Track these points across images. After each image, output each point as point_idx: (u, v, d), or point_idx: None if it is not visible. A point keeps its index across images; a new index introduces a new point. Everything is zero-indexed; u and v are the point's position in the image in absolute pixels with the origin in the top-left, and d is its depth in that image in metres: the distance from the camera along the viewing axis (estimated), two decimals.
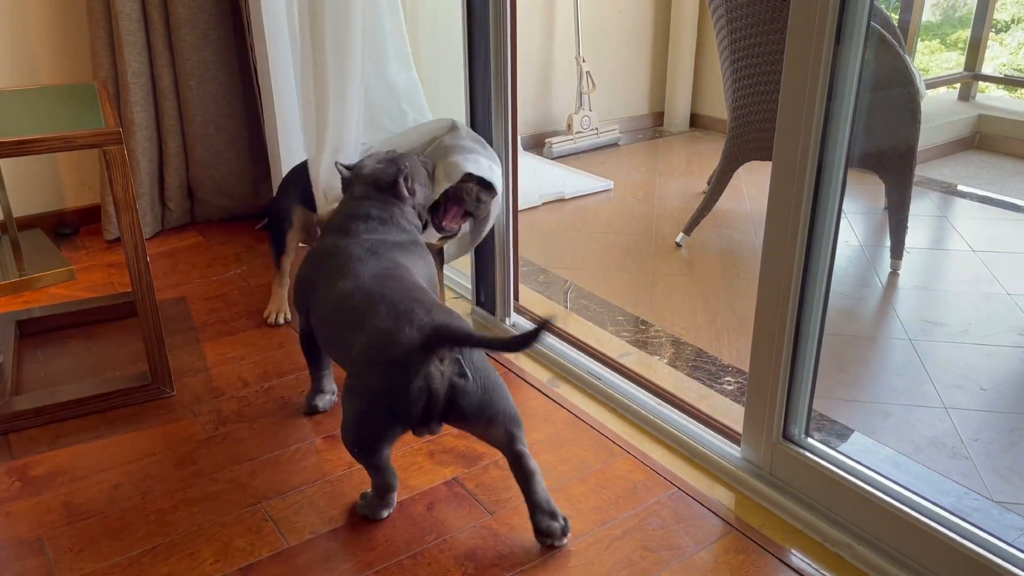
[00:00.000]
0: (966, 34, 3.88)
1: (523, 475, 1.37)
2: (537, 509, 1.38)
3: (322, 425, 1.71)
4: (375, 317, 1.33)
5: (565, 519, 1.40)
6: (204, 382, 1.86)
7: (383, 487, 1.43)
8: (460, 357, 1.30)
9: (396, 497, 1.47)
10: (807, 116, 1.28)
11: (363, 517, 1.45)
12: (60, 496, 1.51)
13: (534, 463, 1.37)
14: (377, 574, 1.33)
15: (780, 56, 2.33)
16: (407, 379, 1.26)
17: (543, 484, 1.39)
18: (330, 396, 1.76)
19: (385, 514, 1.45)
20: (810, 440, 1.47)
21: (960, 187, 3.20)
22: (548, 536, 1.38)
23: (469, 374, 1.30)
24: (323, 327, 1.48)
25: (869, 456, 1.51)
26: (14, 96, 1.84)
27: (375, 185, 1.66)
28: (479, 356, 1.34)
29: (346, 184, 1.71)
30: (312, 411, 1.74)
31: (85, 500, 1.50)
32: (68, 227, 2.66)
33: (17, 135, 1.52)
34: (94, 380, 1.84)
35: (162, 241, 2.63)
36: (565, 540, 1.39)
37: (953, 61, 4.03)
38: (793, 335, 1.41)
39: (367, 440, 1.33)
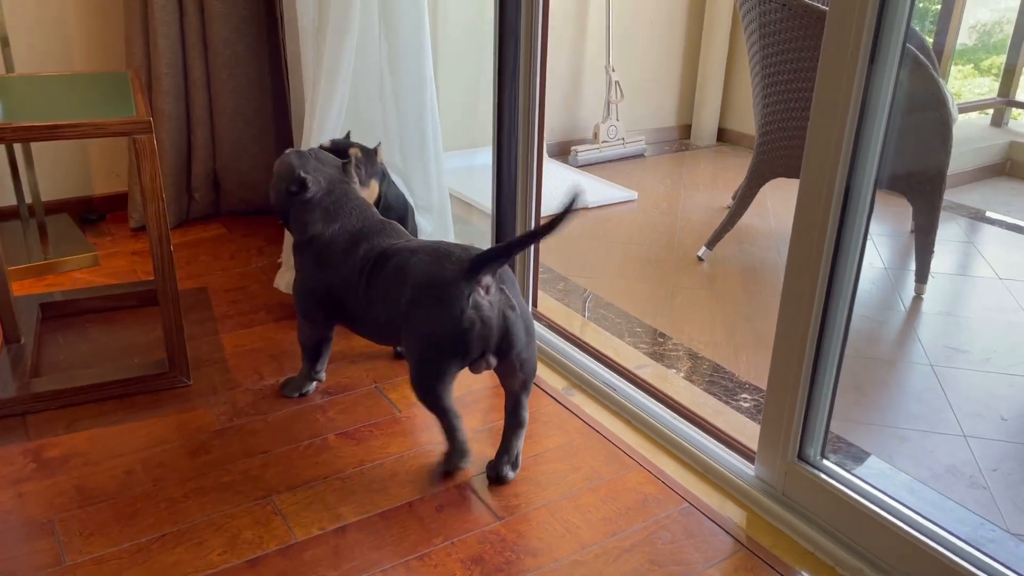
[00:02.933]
0: (1000, 60, 3.84)
1: (515, 423, 1.53)
2: (506, 455, 1.54)
3: (336, 422, 1.71)
4: (416, 267, 1.43)
5: (518, 460, 1.57)
6: (221, 373, 1.87)
7: (453, 430, 1.51)
8: (505, 288, 1.41)
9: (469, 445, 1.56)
10: (837, 136, 1.27)
11: (447, 474, 1.56)
12: (73, 479, 1.52)
13: (527, 416, 1.54)
14: (383, 573, 1.33)
15: (812, 74, 2.31)
16: (458, 310, 1.36)
17: (523, 438, 1.57)
18: (315, 384, 1.82)
19: (466, 464, 1.56)
20: (826, 462, 1.45)
21: (989, 213, 3.16)
22: (500, 480, 1.55)
23: (517, 307, 1.41)
24: (360, 301, 1.54)
25: (885, 481, 1.49)
26: (48, 82, 1.86)
27: (343, 171, 1.72)
28: (523, 302, 1.46)
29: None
30: (300, 394, 1.79)
31: (98, 484, 1.51)
32: (94, 213, 2.69)
33: (50, 120, 1.54)
34: (113, 366, 1.86)
35: (186, 231, 2.65)
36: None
37: (986, 87, 3.99)
38: (813, 355, 1.39)
39: (434, 381, 1.42)
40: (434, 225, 2.26)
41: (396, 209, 2.00)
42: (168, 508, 1.45)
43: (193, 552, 1.36)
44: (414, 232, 2.13)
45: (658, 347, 2.13)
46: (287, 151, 1.68)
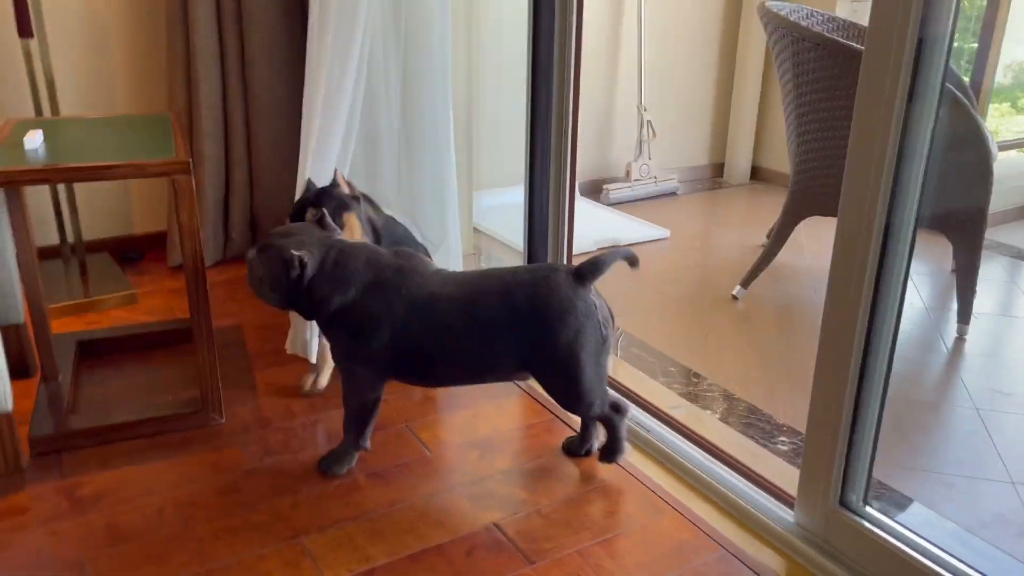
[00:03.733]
0: None
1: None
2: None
3: (366, 462, 1.70)
4: (528, 289, 1.49)
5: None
6: (253, 411, 1.88)
7: (619, 404, 1.64)
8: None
9: None
10: (875, 174, 1.25)
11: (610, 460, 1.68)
12: (105, 517, 1.52)
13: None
14: None
15: (847, 112, 2.30)
16: (596, 313, 1.52)
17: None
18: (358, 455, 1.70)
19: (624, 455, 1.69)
20: (868, 509, 1.40)
21: None
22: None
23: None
24: (432, 347, 1.52)
25: (931, 529, 1.44)
26: (92, 124, 1.91)
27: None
28: None
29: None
30: (335, 472, 1.66)
31: (129, 523, 1.51)
32: (134, 252, 2.74)
33: (93, 161, 1.57)
34: (147, 404, 1.87)
35: (223, 270, 2.69)
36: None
37: None
38: (854, 397, 1.36)
39: (601, 382, 1.56)
40: (446, 264, 2.25)
41: (403, 244, 1.93)
42: (198, 548, 1.45)
43: None
44: None
45: (692, 387, 2.09)
46: (260, 242, 1.54)
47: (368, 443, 1.68)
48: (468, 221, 2.71)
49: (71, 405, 1.86)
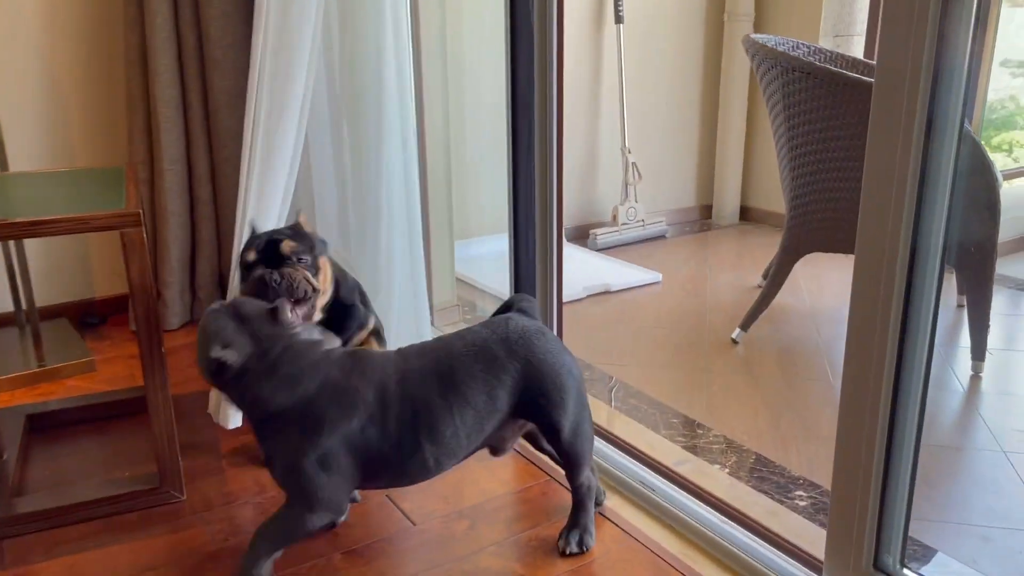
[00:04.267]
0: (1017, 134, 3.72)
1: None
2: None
3: (342, 539, 1.53)
4: (505, 348, 1.37)
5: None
6: (218, 485, 1.70)
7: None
8: None
9: None
10: (896, 209, 1.13)
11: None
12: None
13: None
14: None
15: (843, 143, 2.20)
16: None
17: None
18: None
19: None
20: (907, 572, 1.25)
21: None
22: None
23: None
24: (459, 415, 1.34)
25: None
26: (39, 178, 1.77)
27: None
28: None
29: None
30: None
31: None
32: (95, 316, 2.58)
33: (31, 216, 1.43)
34: (101, 481, 1.70)
35: (190, 331, 2.53)
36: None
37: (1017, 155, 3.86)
38: (885, 446, 1.21)
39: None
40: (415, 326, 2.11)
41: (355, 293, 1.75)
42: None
43: None
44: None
45: (696, 439, 1.94)
46: (209, 308, 1.35)
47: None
48: (450, 271, 2.58)
49: (16, 486, 1.68)
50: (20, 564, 1.47)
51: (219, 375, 1.28)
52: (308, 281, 1.55)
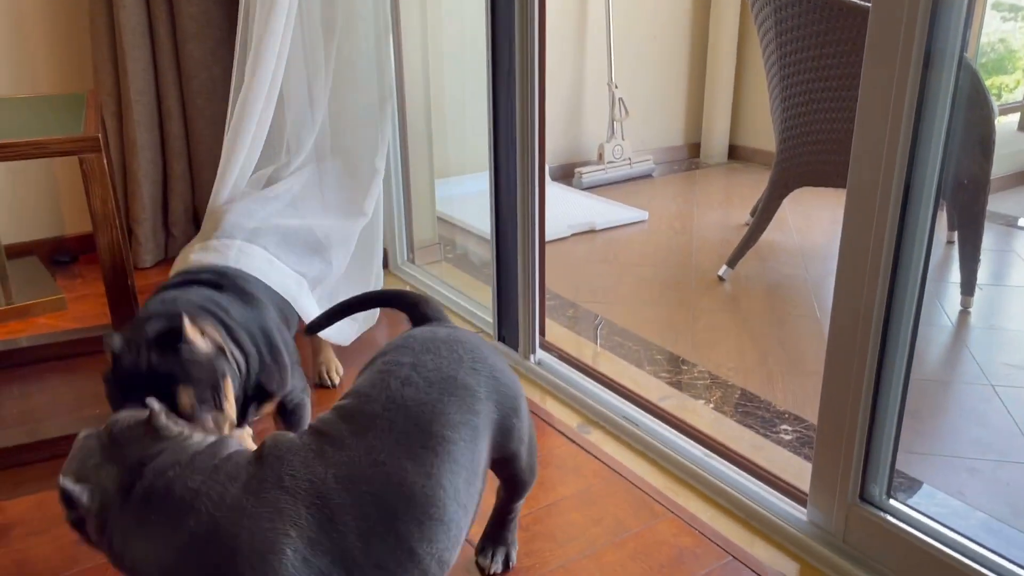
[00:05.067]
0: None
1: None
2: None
3: None
4: (469, 369, 1.03)
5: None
6: None
7: None
8: None
9: None
10: (891, 140, 1.08)
11: None
12: (14, 552, 1.31)
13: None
14: None
15: (837, 72, 2.13)
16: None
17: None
18: None
19: None
20: (892, 502, 1.23)
21: (1022, 222, 2.96)
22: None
23: None
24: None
25: (960, 521, 1.26)
26: None
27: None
28: None
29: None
30: None
31: (42, 558, 1.29)
32: (66, 255, 2.50)
33: None
34: (70, 418, 1.65)
35: (165, 269, 2.46)
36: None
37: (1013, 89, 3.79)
38: (874, 380, 1.18)
39: None
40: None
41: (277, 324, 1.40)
42: None
43: None
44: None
45: (681, 375, 1.91)
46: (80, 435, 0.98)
47: None
48: (431, 210, 2.52)
49: None
50: None
51: (77, 525, 0.91)
52: (217, 425, 1.18)
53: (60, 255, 2.49)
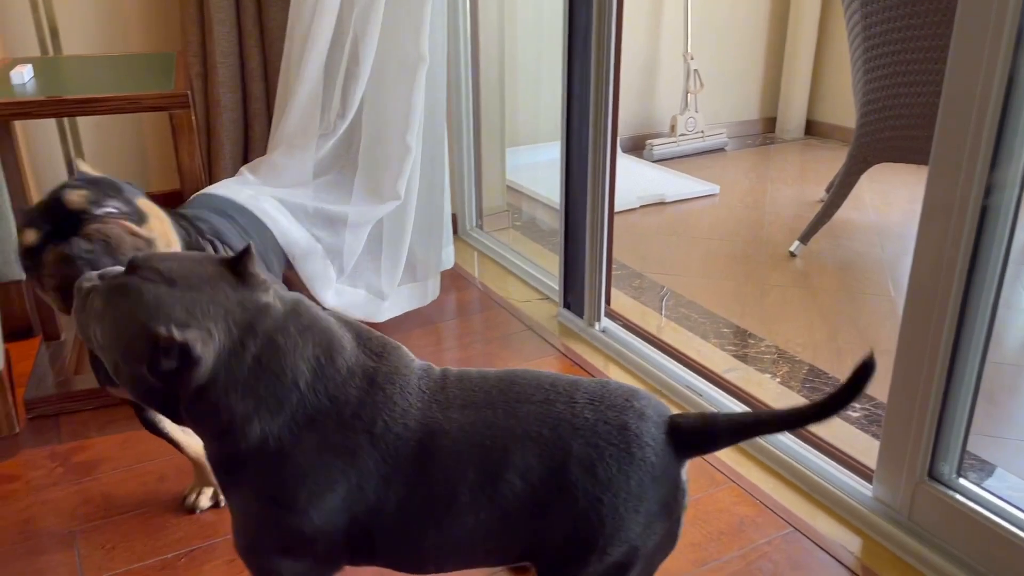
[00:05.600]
0: None
1: None
2: None
3: None
4: (571, 441, 0.84)
5: None
6: None
7: None
8: None
9: None
10: (978, 116, 1.05)
11: None
12: (101, 486, 1.39)
13: None
14: None
15: (923, 43, 2.06)
16: (684, 494, 0.88)
17: None
18: None
19: None
20: (962, 481, 1.21)
21: None
22: None
23: None
24: (448, 513, 0.85)
25: None
26: (91, 61, 1.76)
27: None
28: None
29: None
30: None
31: (126, 493, 1.37)
32: None
33: (82, 94, 1.42)
34: None
35: None
36: None
37: None
38: (948, 359, 1.16)
39: None
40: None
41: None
42: (198, 521, 1.30)
43: (222, 571, 1.21)
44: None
45: (748, 349, 1.90)
46: (88, 279, 0.86)
47: None
48: (501, 177, 2.53)
49: (74, 366, 1.73)
50: (76, 438, 1.52)
51: (173, 384, 0.80)
52: (135, 233, 1.06)
53: None
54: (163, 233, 1.10)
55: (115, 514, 1.32)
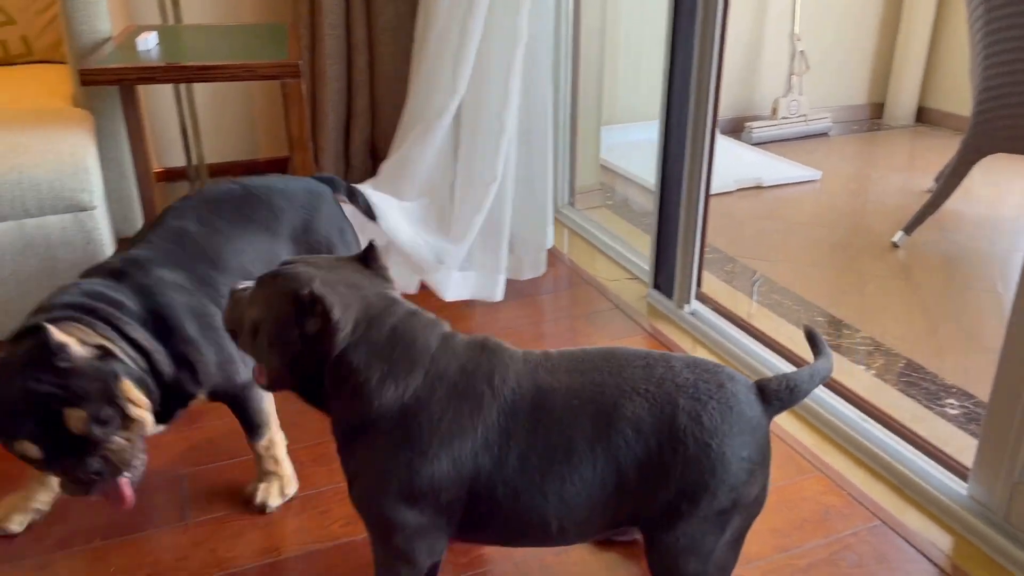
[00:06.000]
0: None
1: None
2: None
3: None
4: (676, 397, 0.93)
5: None
6: None
7: None
8: None
9: None
10: None
11: None
12: (202, 432, 1.48)
13: None
14: None
15: None
16: (769, 452, 0.97)
17: None
18: None
19: None
20: None
21: None
22: None
23: None
24: (565, 469, 0.93)
25: None
26: (210, 30, 1.85)
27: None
28: None
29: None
30: None
31: (223, 436, 1.46)
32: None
33: (203, 61, 1.49)
34: None
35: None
36: None
37: None
38: None
39: (736, 553, 1.00)
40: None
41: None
42: (299, 471, 1.37)
43: (316, 521, 1.27)
44: None
45: (842, 339, 1.86)
46: (239, 288, 1.02)
47: None
48: (595, 156, 2.53)
49: None
50: None
51: (313, 346, 0.92)
52: (132, 443, 1.08)
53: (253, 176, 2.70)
54: (141, 413, 1.09)
55: (219, 460, 1.40)
